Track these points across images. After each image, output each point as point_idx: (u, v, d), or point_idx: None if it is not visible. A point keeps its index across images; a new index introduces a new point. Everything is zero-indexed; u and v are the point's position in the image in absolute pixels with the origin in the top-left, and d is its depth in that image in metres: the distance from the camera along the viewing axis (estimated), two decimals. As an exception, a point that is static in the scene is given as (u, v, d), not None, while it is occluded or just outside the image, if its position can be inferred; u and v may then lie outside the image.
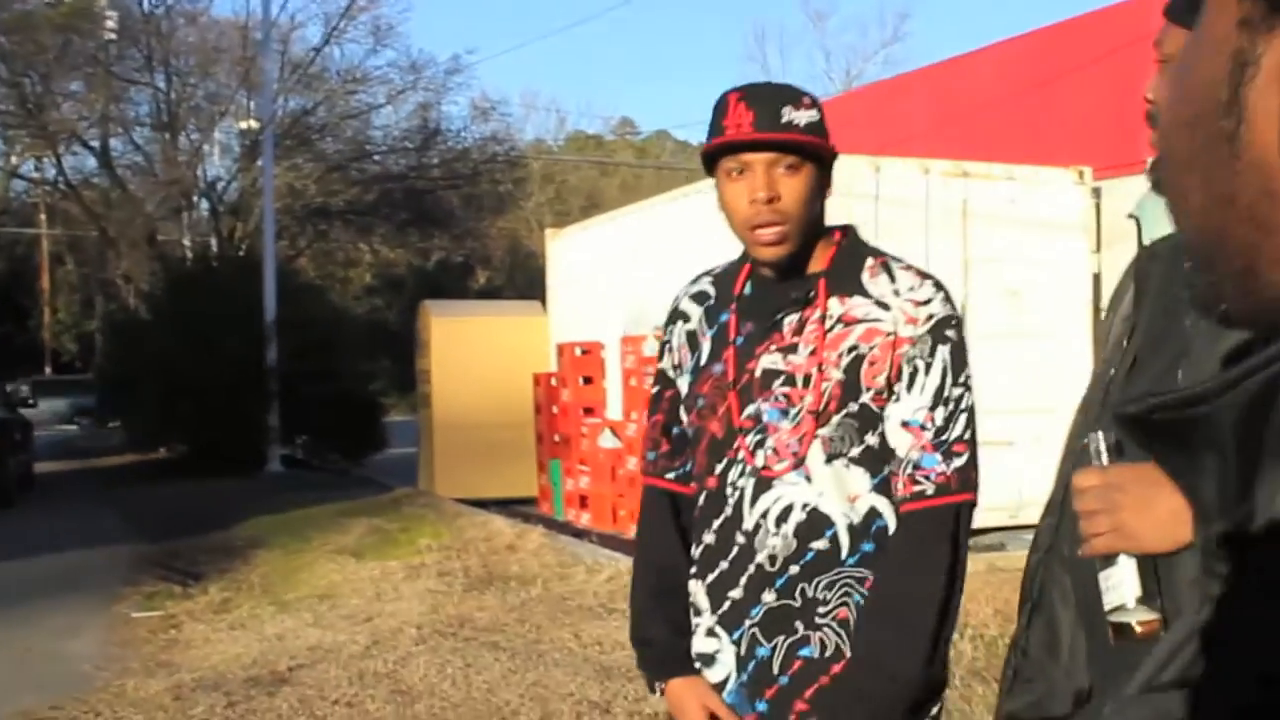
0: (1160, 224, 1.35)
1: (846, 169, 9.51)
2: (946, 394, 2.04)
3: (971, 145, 11.62)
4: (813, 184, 2.07)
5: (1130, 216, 1.50)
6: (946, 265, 9.66)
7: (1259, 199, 0.55)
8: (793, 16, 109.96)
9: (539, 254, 15.78)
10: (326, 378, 18.63)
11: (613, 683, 6.02)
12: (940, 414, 2.03)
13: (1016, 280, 9.33)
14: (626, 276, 12.04)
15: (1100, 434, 1.40)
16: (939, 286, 2.11)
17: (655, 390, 2.31)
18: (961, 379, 2.06)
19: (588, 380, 12.72)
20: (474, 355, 14.31)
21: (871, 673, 1.99)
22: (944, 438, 2.03)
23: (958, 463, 2.02)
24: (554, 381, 13.20)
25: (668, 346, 2.29)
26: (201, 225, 28.84)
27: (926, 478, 2.02)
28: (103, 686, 6.42)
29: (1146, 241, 1.45)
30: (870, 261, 2.13)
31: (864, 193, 9.34)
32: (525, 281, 38.16)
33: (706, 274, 2.29)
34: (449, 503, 12.88)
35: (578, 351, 12.84)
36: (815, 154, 2.07)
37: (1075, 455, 1.39)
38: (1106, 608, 1.27)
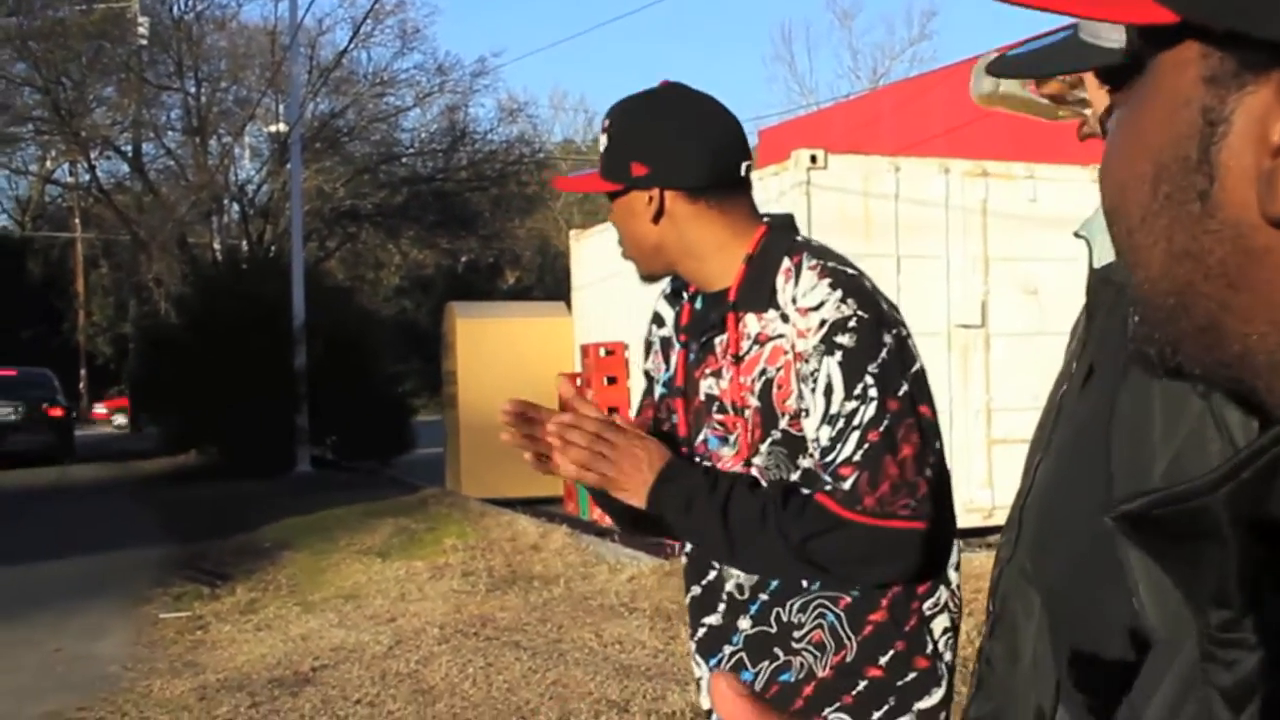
0: (1110, 247, 1.29)
1: (866, 169, 9.60)
2: (834, 410, 1.78)
3: (994, 144, 11.59)
4: (631, 210, 1.89)
5: (1077, 235, 1.49)
6: (967, 264, 9.66)
7: (1231, 256, 0.53)
8: (819, 15, 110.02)
9: (567, 254, 15.80)
10: (355, 379, 18.75)
11: (632, 682, 6.07)
12: (826, 433, 1.79)
13: (1037, 279, 9.32)
14: (650, 277, 12.05)
15: None
16: (838, 284, 1.81)
17: (644, 390, 2.17)
18: (857, 390, 1.78)
19: (612, 380, 12.75)
20: (499, 356, 14.36)
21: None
22: (830, 459, 1.79)
23: (843, 487, 1.78)
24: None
25: (652, 349, 2.13)
26: (232, 229, 29.06)
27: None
28: (129, 687, 6.49)
29: (1097, 263, 1.44)
30: (785, 264, 1.85)
31: (883, 193, 9.36)
32: (554, 282, 38.20)
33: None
34: (475, 502, 12.94)
35: (602, 352, 12.87)
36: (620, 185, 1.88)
37: (1031, 473, 1.41)
38: None
